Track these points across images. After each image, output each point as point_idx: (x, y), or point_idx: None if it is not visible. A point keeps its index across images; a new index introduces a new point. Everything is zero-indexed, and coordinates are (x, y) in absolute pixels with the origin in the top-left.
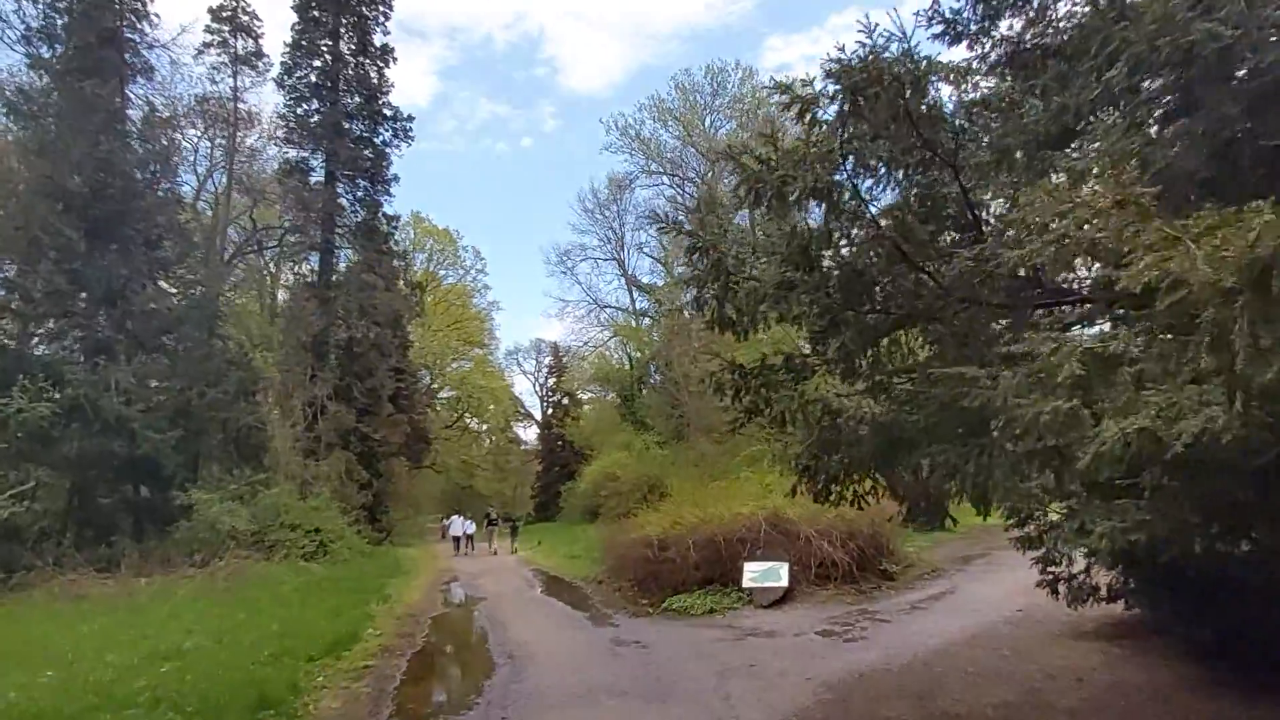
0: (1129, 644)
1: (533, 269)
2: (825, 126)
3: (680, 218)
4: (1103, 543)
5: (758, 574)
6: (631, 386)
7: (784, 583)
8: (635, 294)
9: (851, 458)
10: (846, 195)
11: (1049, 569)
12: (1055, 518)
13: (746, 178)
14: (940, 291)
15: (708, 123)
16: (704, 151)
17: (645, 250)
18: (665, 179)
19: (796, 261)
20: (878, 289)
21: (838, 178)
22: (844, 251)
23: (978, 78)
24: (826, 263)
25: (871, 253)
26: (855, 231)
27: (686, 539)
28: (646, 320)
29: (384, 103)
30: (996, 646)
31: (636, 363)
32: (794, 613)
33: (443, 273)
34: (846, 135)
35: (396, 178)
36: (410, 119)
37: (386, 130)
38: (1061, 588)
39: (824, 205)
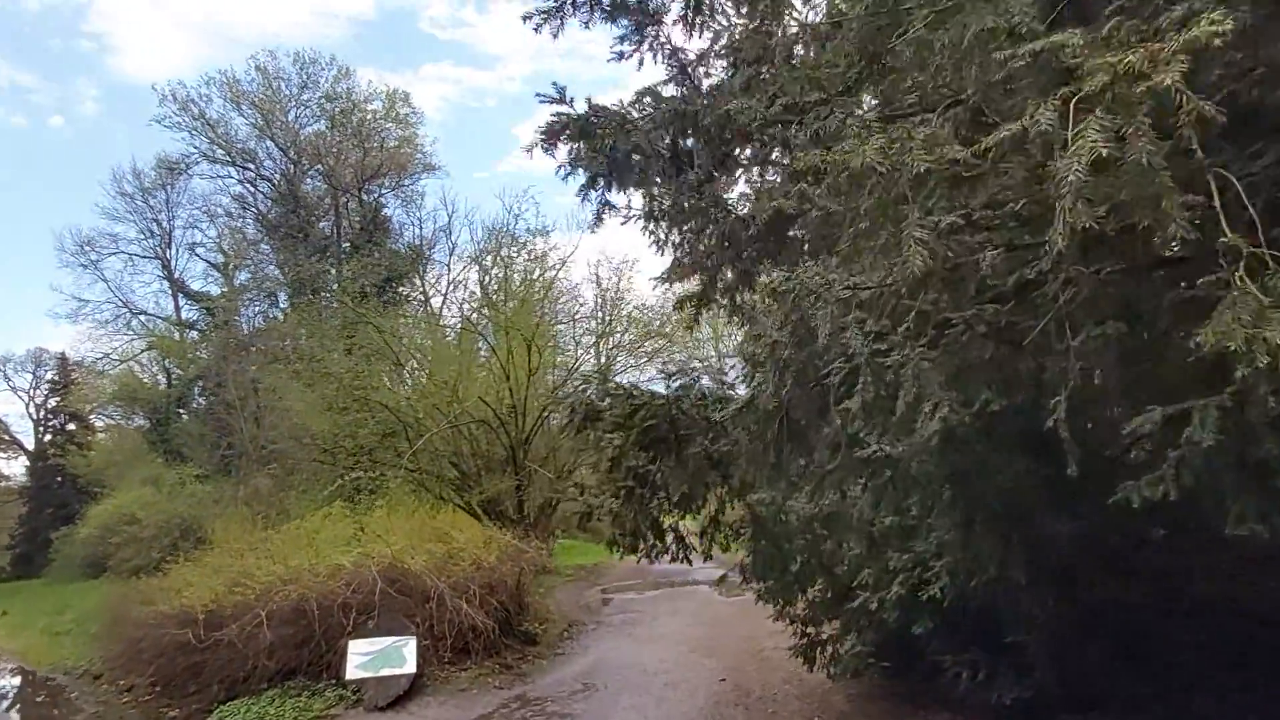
0: None
1: (41, 264)
2: None
3: (248, 223)
4: None
5: (370, 657)
6: (168, 409)
7: (410, 667)
8: (182, 301)
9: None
10: None
11: (807, 631)
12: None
13: None
14: None
15: (293, 116)
16: (285, 147)
17: (199, 252)
18: (234, 170)
19: None
20: None
21: None
22: None
23: None
24: None
25: None
26: None
27: (257, 609)
28: (194, 333)
29: None
30: None
31: (178, 381)
32: (430, 714)
33: None
34: None
35: None
36: None
37: None
38: (819, 655)
39: None
